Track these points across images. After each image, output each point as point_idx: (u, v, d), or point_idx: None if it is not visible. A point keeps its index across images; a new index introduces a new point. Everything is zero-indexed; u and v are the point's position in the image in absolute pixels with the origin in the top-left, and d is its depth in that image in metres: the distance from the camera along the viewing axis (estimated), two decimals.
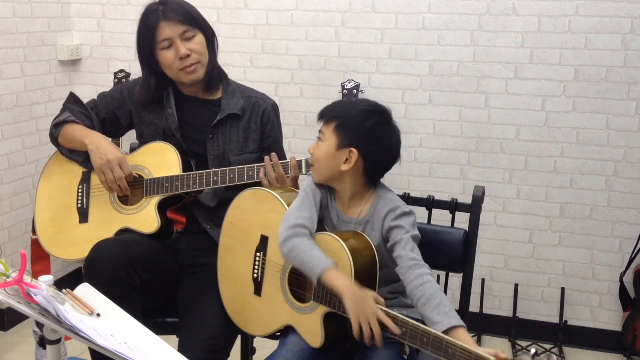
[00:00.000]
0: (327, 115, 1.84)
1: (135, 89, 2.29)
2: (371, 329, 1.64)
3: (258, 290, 1.94)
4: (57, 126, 2.25)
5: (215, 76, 2.24)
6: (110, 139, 2.28)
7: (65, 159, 2.30)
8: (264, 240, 1.94)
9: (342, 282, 1.68)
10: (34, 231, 2.30)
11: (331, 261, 1.71)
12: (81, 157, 2.25)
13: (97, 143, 2.17)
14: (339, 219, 1.89)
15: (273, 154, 2.09)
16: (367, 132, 1.79)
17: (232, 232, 2.03)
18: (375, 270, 1.77)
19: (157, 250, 2.13)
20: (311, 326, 1.79)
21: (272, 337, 1.96)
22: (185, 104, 2.25)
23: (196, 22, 2.17)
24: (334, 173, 1.83)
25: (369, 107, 1.83)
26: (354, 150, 1.78)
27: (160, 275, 2.11)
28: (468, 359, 1.46)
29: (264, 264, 1.93)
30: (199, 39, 2.17)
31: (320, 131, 1.85)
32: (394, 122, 1.84)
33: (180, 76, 2.17)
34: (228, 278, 2.04)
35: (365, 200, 1.87)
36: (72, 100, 2.31)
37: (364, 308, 1.64)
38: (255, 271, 1.95)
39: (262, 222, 1.96)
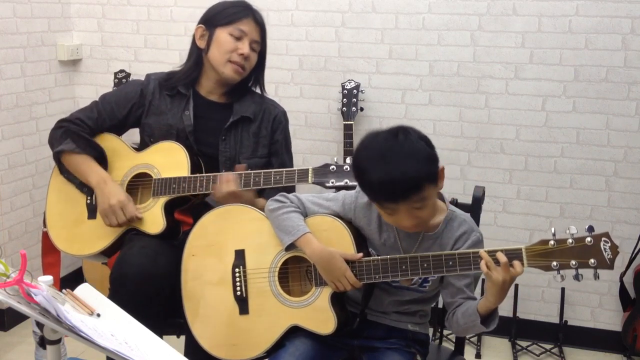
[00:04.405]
0: (413, 188, 1.61)
1: (147, 87, 2.28)
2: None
3: (244, 309, 1.89)
4: (60, 153, 2.23)
5: (243, 91, 2.30)
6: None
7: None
8: (240, 254, 1.91)
9: (309, 249, 1.79)
10: (44, 224, 2.33)
11: (309, 230, 1.80)
12: (78, 179, 2.25)
13: (102, 184, 2.16)
14: (399, 236, 1.80)
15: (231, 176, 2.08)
16: (425, 148, 1.65)
17: (195, 265, 1.97)
18: (363, 237, 1.85)
19: (176, 259, 2.08)
20: (320, 313, 1.79)
21: (269, 351, 1.89)
22: (200, 106, 2.27)
23: (263, 44, 2.28)
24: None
25: (394, 140, 1.65)
26: (440, 167, 1.69)
27: (177, 282, 2.08)
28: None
29: (245, 277, 1.89)
30: (256, 57, 2.26)
31: (414, 205, 1.63)
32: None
33: (222, 65, 2.20)
34: (200, 316, 1.95)
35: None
36: (75, 135, 2.24)
37: (333, 272, 1.76)
38: (238, 288, 1.89)
39: (233, 237, 1.93)
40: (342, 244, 1.78)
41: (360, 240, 1.83)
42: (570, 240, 1.58)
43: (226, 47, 2.18)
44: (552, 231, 1.59)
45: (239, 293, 1.89)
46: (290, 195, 1.89)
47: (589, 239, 1.57)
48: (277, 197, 1.89)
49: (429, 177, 1.63)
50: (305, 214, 1.86)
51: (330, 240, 1.79)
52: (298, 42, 3.28)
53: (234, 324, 1.90)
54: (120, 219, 2.14)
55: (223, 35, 2.19)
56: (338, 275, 1.75)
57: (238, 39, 2.18)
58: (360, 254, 1.76)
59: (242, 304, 1.89)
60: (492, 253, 1.62)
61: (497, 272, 1.59)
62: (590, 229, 1.58)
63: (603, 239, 1.56)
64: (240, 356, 1.90)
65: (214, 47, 2.21)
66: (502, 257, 1.59)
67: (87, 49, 3.57)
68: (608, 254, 1.57)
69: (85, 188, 2.25)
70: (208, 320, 1.94)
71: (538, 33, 3.00)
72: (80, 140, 2.23)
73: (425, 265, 1.69)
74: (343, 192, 1.90)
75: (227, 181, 2.07)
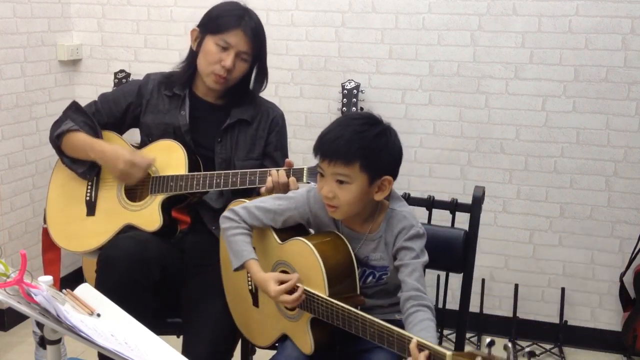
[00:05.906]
0: (344, 156, 1.66)
1: (146, 86, 2.28)
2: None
3: (255, 302, 1.95)
4: (60, 136, 2.24)
5: (241, 97, 2.25)
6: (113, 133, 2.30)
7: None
8: None
9: (251, 274, 1.81)
10: (45, 220, 2.34)
11: (253, 255, 1.81)
12: (82, 167, 2.25)
13: (102, 155, 2.17)
14: (344, 235, 1.81)
15: (281, 171, 2.03)
16: (390, 152, 1.71)
17: None
18: (352, 269, 1.77)
19: (167, 250, 2.14)
20: (301, 333, 1.80)
21: (273, 347, 1.95)
22: (197, 107, 2.25)
23: (257, 53, 2.19)
24: (364, 205, 1.75)
25: (369, 123, 1.70)
26: (387, 177, 1.71)
27: (169, 274, 2.11)
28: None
29: None
30: (245, 67, 2.19)
31: (337, 173, 1.68)
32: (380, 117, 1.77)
33: (205, 75, 2.18)
34: (230, 291, 2.05)
35: (377, 213, 1.80)
36: (74, 108, 2.29)
37: (269, 294, 1.75)
38: (249, 283, 1.95)
39: None
40: (314, 278, 1.72)
41: (340, 279, 1.74)
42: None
43: (210, 58, 2.14)
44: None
45: (249, 288, 1.96)
46: (240, 210, 1.86)
47: None
48: (228, 213, 1.88)
49: (364, 161, 1.66)
50: (262, 223, 1.85)
51: (304, 271, 1.75)
52: (298, 42, 3.28)
53: (248, 311, 1.98)
54: (137, 175, 2.16)
55: (210, 45, 2.15)
56: (275, 298, 1.75)
57: (224, 49, 2.13)
58: (295, 275, 1.73)
59: (254, 297, 1.95)
60: (422, 348, 1.48)
61: None
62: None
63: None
64: (255, 341, 2.02)
65: (201, 55, 2.18)
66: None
67: (87, 49, 3.57)
68: None
69: (89, 174, 2.24)
70: (234, 299, 2.04)
71: (538, 33, 3.00)
72: (79, 117, 2.25)
73: (372, 331, 1.58)
74: (292, 193, 1.89)
75: (282, 178, 2.03)
